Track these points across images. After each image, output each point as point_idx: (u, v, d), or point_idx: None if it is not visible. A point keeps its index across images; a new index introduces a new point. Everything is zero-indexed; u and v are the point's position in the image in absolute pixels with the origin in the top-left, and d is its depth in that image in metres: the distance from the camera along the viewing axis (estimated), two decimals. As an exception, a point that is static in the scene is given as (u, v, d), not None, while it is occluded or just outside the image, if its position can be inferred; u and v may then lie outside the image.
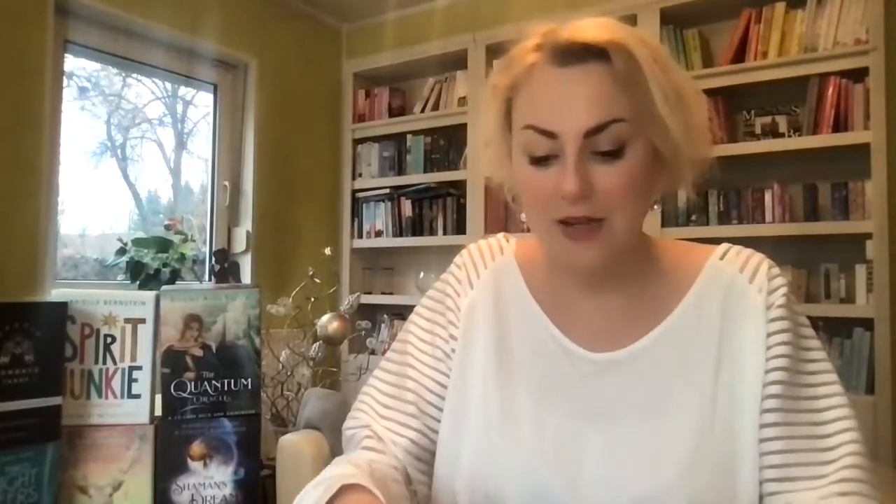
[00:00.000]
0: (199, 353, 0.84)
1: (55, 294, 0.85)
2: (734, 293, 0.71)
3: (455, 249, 0.88)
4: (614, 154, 0.66)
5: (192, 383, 0.83)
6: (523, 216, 0.76)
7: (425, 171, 3.37)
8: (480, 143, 0.79)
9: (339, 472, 0.66)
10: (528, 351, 0.76)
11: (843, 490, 0.63)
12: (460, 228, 3.23)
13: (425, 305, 0.84)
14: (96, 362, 0.84)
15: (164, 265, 2.76)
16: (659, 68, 0.66)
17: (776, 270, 0.72)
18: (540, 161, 0.68)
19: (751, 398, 0.67)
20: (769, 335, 0.68)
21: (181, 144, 3.33)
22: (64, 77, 2.64)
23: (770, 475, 0.66)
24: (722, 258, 0.74)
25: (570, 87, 0.66)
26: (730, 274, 0.72)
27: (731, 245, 0.75)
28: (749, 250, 0.74)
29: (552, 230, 0.69)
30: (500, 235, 0.86)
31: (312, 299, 2.30)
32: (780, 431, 0.66)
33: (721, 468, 0.66)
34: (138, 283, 2.70)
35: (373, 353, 2.59)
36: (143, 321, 0.85)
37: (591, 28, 0.66)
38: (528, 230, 0.75)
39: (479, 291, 0.81)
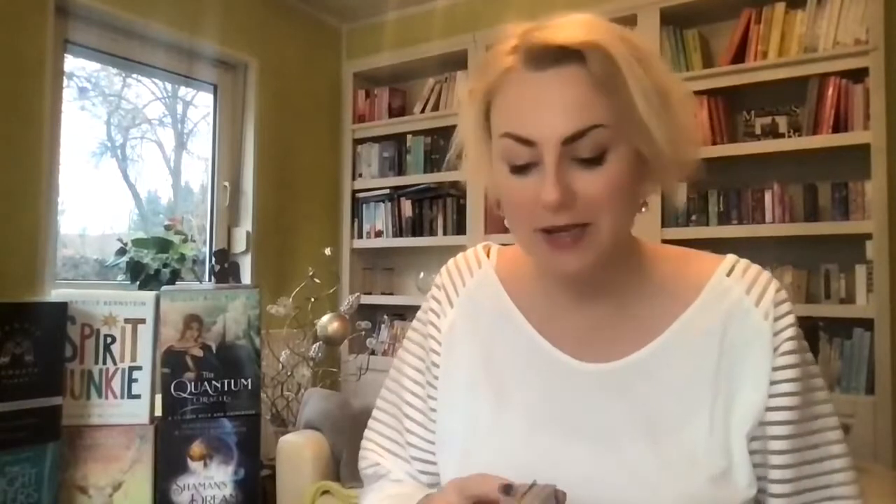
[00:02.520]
0: (199, 353, 0.84)
1: (55, 294, 0.84)
2: (738, 315, 0.68)
3: (455, 249, 0.87)
4: (595, 161, 0.63)
5: (192, 383, 0.83)
6: (507, 222, 0.74)
7: (425, 172, 3.37)
8: (459, 150, 0.76)
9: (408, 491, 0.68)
10: (515, 365, 0.74)
11: None
12: (460, 229, 3.23)
13: (413, 332, 0.84)
14: (96, 362, 0.84)
15: (164, 265, 2.76)
16: (641, 68, 0.62)
17: (783, 294, 0.69)
18: (520, 170, 0.65)
19: (743, 429, 0.66)
20: (775, 370, 0.66)
21: (181, 144, 3.33)
22: (64, 77, 2.64)
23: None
24: (728, 274, 0.70)
25: (547, 93, 0.63)
26: (736, 294, 0.69)
27: (737, 259, 0.72)
28: (756, 268, 0.71)
29: (534, 239, 0.67)
30: (480, 247, 0.83)
31: (312, 299, 2.30)
32: (786, 474, 0.66)
33: (710, 496, 0.64)
34: (138, 283, 2.70)
35: (373, 353, 2.59)
36: (143, 321, 0.85)
37: (566, 28, 0.63)
38: None
39: (458, 310, 0.79)
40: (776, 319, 0.67)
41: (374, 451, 0.82)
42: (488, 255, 0.82)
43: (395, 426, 0.81)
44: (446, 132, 3.28)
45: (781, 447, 0.66)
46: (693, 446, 0.65)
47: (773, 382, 0.66)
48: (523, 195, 0.65)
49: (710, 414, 0.66)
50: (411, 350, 0.83)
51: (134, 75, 3.06)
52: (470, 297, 0.79)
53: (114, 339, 0.84)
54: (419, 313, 0.84)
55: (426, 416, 0.79)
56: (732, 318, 0.68)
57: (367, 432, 0.84)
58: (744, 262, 0.72)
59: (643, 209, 0.71)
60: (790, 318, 0.67)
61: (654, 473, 0.65)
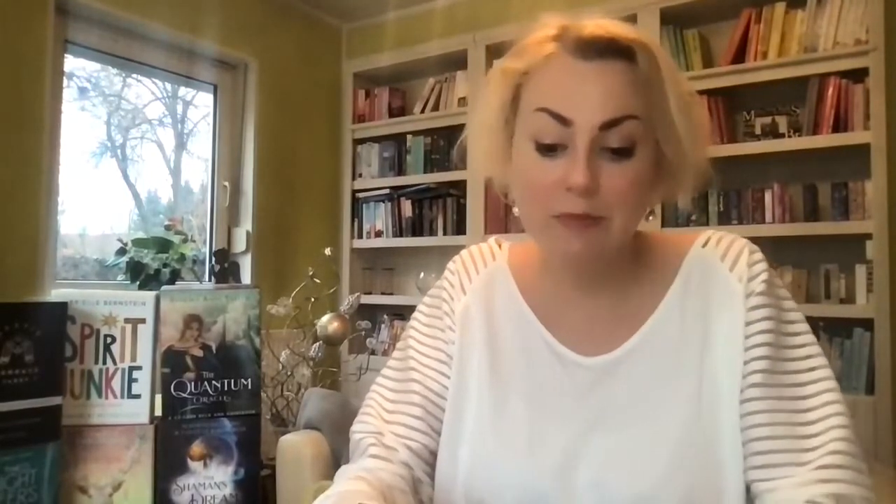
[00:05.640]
0: (199, 353, 0.84)
1: (55, 294, 0.85)
2: (716, 282, 0.71)
3: (455, 249, 0.88)
4: (624, 153, 0.66)
5: (192, 383, 0.83)
6: (517, 210, 0.75)
7: (425, 172, 3.37)
8: (475, 132, 0.77)
9: (352, 488, 0.66)
10: (520, 356, 0.76)
11: (824, 477, 0.62)
12: (460, 229, 3.23)
13: (423, 312, 0.84)
14: (96, 362, 0.84)
15: (164, 265, 2.76)
16: (673, 73, 0.67)
17: (758, 256, 0.71)
18: (548, 150, 0.67)
19: (730, 388, 0.67)
20: (748, 324, 0.68)
21: (181, 145, 3.33)
22: (64, 77, 2.64)
23: (754, 463, 0.65)
24: (704, 246, 0.73)
25: (589, 80, 0.66)
26: (711, 262, 0.72)
27: (713, 231, 0.75)
28: (731, 236, 0.74)
29: (549, 224, 0.68)
30: (492, 240, 0.86)
31: (312, 299, 2.30)
32: (762, 419, 0.66)
33: (708, 462, 0.66)
34: (138, 283, 2.70)
35: (373, 353, 2.59)
36: (143, 321, 0.85)
37: (613, 25, 0.67)
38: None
39: (471, 297, 0.81)
40: (749, 280, 0.69)
41: (372, 416, 0.79)
42: (500, 249, 0.85)
43: (399, 399, 0.80)
44: (446, 132, 3.29)
45: (756, 393, 0.66)
46: (688, 419, 0.67)
47: (747, 336, 0.68)
48: (547, 177, 0.67)
49: (699, 385, 0.68)
50: (421, 330, 0.83)
51: (134, 75, 3.06)
52: (482, 286, 0.81)
53: (114, 339, 0.84)
54: (428, 298, 0.85)
55: (430, 390, 0.78)
56: (712, 287, 0.71)
57: (367, 399, 0.82)
58: (719, 233, 0.75)
59: (650, 217, 0.74)
60: (763, 276, 0.69)
61: (652, 452, 0.66)
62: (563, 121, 0.66)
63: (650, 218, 0.74)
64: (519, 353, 0.76)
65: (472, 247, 0.86)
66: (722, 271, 0.71)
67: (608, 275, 0.74)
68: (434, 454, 0.77)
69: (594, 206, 0.66)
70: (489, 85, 0.75)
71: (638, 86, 0.66)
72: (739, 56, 2.56)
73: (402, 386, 0.80)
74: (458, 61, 3.23)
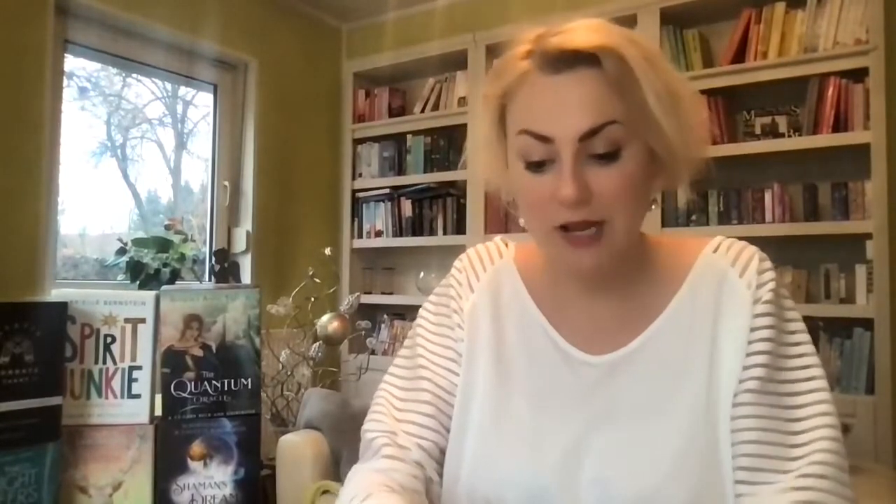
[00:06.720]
0: (199, 353, 0.84)
1: (55, 294, 0.85)
2: (725, 287, 0.71)
3: (455, 249, 0.88)
4: (610, 157, 0.66)
5: (192, 383, 0.83)
6: (522, 221, 0.75)
7: (425, 172, 3.37)
8: (476, 150, 0.78)
9: (384, 501, 0.66)
10: (524, 353, 0.76)
11: (803, 485, 0.63)
12: (460, 228, 3.23)
13: (430, 310, 0.84)
14: (96, 362, 0.84)
15: (164, 265, 2.76)
16: (651, 69, 0.65)
17: (767, 264, 0.71)
18: (536, 167, 0.68)
19: (727, 393, 0.67)
20: (752, 330, 0.68)
21: (181, 144, 3.33)
22: (64, 77, 2.64)
23: (740, 465, 0.66)
24: (715, 251, 0.74)
25: (563, 93, 0.66)
26: (721, 267, 0.72)
27: (723, 238, 0.75)
28: (742, 243, 0.74)
29: (552, 236, 0.69)
30: (499, 239, 0.86)
31: (312, 299, 2.30)
32: (752, 423, 0.66)
33: (711, 464, 0.66)
34: (138, 283, 2.70)
35: (373, 352, 2.59)
36: (143, 321, 0.85)
37: (580, 33, 0.66)
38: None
39: (479, 294, 0.81)
40: (758, 287, 0.70)
41: (384, 414, 0.79)
42: (507, 247, 0.85)
43: (409, 398, 0.79)
44: (446, 132, 3.29)
45: (748, 399, 0.66)
46: (693, 420, 0.67)
47: (749, 342, 0.68)
48: (540, 192, 0.68)
49: (705, 386, 0.68)
50: (429, 328, 0.82)
51: (134, 75, 3.06)
52: (490, 283, 0.82)
53: (114, 339, 0.84)
54: (435, 296, 0.85)
55: (441, 388, 0.78)
56: (721, 292, 0.71)
57: (377, 398, 0.82)
58: (729, 239, 0.75)
59: (653, 206, 0.74)
60: (770, 284, 0.70)
61: (656, 451, 0.67)
62: (543, 139, 0.66)
63: (654, 207, 0.74)
64: (523, 351, 0.76)
65: (478, 245, 0.86)
66: (732, 277, 0.71)
67: (614, 276, 0.74)
68: (444, 453, 0.77)
69: (591, 212, 0.66)
70: (478, 108, 0.76)
71: (613, 89, 0.65)
72: (739, 56, 2.56)
73: (412, 384, 0.80)
74: (458, 61, 3.23)
